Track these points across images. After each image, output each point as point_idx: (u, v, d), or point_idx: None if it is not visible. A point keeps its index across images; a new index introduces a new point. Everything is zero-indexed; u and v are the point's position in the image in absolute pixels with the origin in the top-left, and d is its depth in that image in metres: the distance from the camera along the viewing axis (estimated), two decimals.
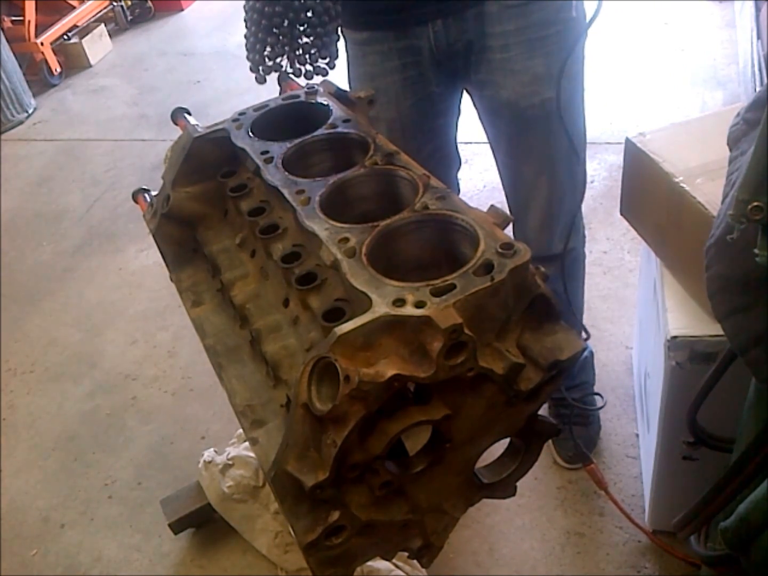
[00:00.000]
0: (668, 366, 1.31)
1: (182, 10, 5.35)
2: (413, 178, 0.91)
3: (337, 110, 1.09)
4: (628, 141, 1.45)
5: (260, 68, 1.22)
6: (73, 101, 4.41)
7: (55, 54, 4.51)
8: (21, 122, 4.17)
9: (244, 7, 1.22)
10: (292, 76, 1.23)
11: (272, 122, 1.11)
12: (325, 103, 1.12)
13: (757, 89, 1.84)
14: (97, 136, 3.92)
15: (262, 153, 1.02)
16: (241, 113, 1.12)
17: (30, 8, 4.33)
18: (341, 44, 1.33)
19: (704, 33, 3.63)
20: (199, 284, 1.12)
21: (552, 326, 0.79)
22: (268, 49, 1.20)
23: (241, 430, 1.57)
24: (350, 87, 1.48)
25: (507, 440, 0.89)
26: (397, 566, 1.59)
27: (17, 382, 2.44)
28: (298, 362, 0.88)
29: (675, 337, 1.28)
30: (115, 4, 5.05)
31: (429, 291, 0.72)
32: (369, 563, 1.57)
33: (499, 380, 0.75)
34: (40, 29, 4.43)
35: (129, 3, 5.14)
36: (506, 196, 1.63)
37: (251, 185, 1.05)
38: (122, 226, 3.12)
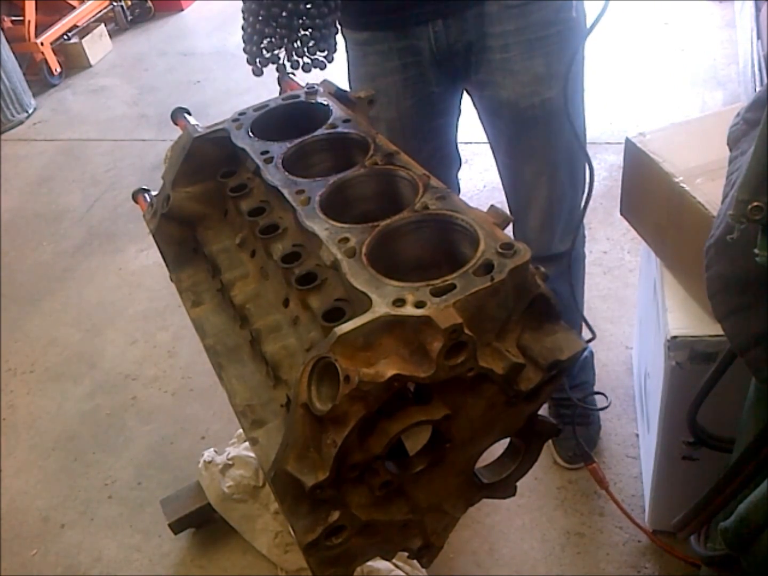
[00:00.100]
0: (668, 366, 1.31)
1: (182, 10, 5.36)
2: (413, 178, 0.91)
3: (337, 110, 1.09)
4: (628, 141, 1.45)
5: (257, 60, 1.19)
6: (73, 101, 4.41)
7: (55, 54, 4.51)
8: (21, 122, 4.17)
9: None
10: (289, 69, 1.21)
11: (272, 122, 1.11)
12: (325, 103, 1.11)
13: (757, 89, 1.84)
14: (97, 136, 3.92)
15: (262, 153, 1.01)
16: (241, 113, 1.12)
17: (30, 8, 4.33)
18: (341, 44, 1.33)
19: (704, 33, 3.63)
20: (199, 284, 1.12)
21: (552, 326, 0.79)
22: (266, 40, 1.17)
23: (241, 430, 1.58)
24: (350, 87, 1.48)
25: (507, 440, 0.89)
26: (397, 566, 1.59)
27: (17, 382, 2.44)
28: (298, 362, 0.88)
29: (675, 337, 1.28)
30: (115, 4, 5.05)
31: (429, 291, 0.72)
32: (369, 563, 1.57)
33: (499, 380, 0.75)
34: (40, 29, 4.43)
35: (129, 3, 5.15)
36: (506, 196, 1.63)
37: (251, 185, 1.05)
38: (122, 226, 3.12)
